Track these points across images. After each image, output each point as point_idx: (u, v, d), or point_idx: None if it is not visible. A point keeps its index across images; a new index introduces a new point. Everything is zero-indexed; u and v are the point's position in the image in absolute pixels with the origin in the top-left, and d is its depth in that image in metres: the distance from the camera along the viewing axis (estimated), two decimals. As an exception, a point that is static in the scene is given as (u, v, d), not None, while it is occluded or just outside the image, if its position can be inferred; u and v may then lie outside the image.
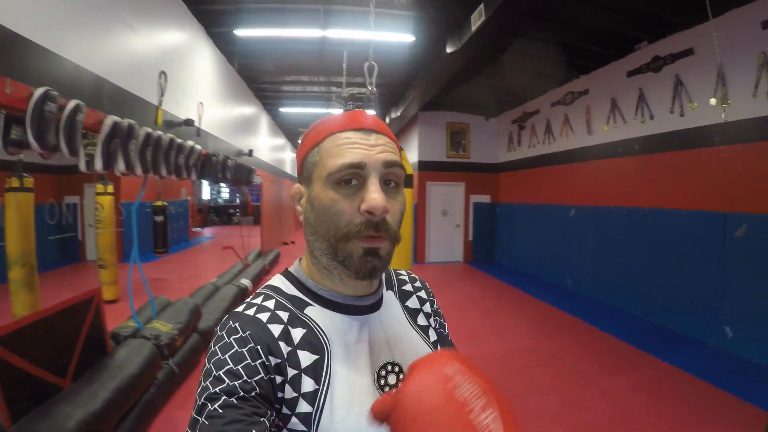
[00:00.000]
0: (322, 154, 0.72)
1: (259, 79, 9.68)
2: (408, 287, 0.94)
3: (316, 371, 0.69)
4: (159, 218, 6.29)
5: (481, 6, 4.94)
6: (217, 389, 0.61)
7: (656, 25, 5.51)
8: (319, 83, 9.74)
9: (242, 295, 6.40)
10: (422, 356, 0.60)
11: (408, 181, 2.20)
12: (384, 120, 12.31)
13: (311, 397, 0.67)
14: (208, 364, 0.65)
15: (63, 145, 2.77)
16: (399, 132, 13.34)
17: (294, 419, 0.67)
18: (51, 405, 2.41)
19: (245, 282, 6.92)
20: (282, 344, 0.69)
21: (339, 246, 0.70)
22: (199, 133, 6.07)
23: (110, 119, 3.31)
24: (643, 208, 6.10)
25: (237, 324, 0.69)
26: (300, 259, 0.84)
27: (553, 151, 8.59)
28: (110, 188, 6.50)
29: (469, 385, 0.52)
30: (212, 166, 5.72)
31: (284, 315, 0.73)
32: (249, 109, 10.22)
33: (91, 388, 2.69)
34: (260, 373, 0.64)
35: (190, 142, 4.77)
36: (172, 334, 3.96)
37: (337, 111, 7.72)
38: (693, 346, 5.02)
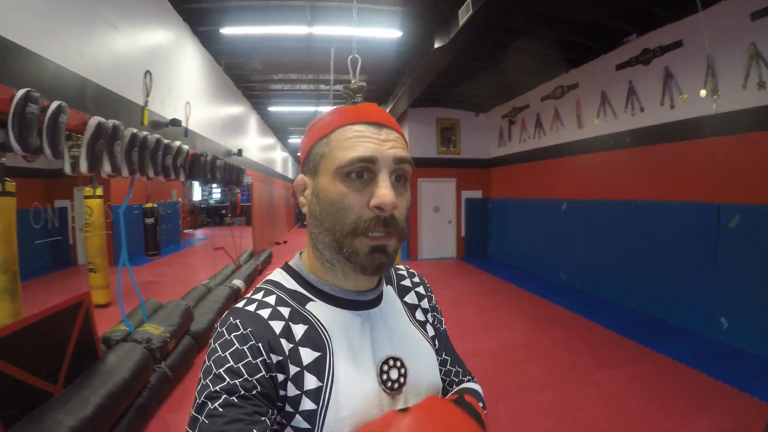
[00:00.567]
0: (332, 146, 0.71)
1: (247, 78, 9.62)
2: (407, 282, 0.94)
3: (318, 368, 0.69)
4: (149, 220, 6.21)
5: (468, 1, 4.92)
6: (217, 387, 0.60)
7: (645, 17, 5.51)
8: (308, 81, 9.69)
9: (235, 296, 6.36)
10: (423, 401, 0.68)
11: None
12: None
13: (315, 395, 0.67)
14: (208, 361, 0.64)
15: (46, 147, 2.72)
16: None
17: (298, 417, 0.66)
18: (42, 412, 2.37)
19: (238, 283, 6.87)
20: (283, 341, 0.68)
21: (345, 241, 0.69)
22: (186, 133, 6.01)
23: (94, 120, 3.25)
24: (635, 200, 6.11)
25: (238, 320, 0.68)
26: (301, 253, 0.83)
27: (544, 146, 8.60)
28: (99, 191, 6.43)
29: None
30: (201, 166, 5.66)
31: (285, 311, 0.72)
32: (237, 109, 10.15)
33: (83, 394, 2.65)
34: (261, 371, 0.64)
35: (177, 143, 4.72)
36: (164, 337, 3.91)
37: (329, 107, 7.68)
38: (688, 337, 5.04)
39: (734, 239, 4.74)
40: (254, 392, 0.61)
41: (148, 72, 4.82)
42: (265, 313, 0.70)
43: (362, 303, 0.77)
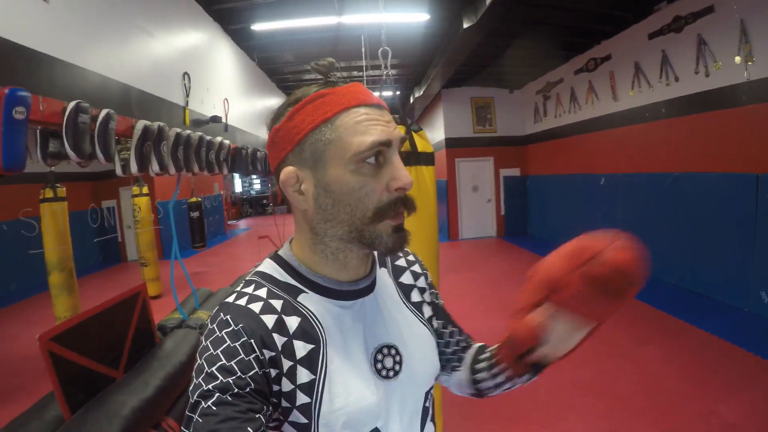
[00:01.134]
0: (341, 132, 0.67)
1: (280, 70, 9.80)
2: (401, 262, 0.93)
3: (311, 361, 0.68)
4: (195, 214, 6.52)
5: (493, -21, 4.90)
6: (210, 386, 0.59)
7: (675, -17, 5.36)
8: (340, 69, 9.75)
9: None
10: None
11: (430, 159, 2.28)
12: (408, 100, 12.33)
13: (308, 388, 0.67)
14: (200, 359, 0.63)
15: (99, 153, 2.94)
16: (423, 110, 13.29)
17: (295, 411, 0.67)
18: (106, 395, 2.59)
19: None
20: (276, 336, 0.67)
21: (366, 229, 0.68)
22: (226, 128, 6.23)
23: (141, 124, 3.47)
24: (673, 173, 5.98)
25: (228, 316, 0.67)
26: (290, 241, 0.81)
27: (580, 120, 8.45)
28: (145, 189, 6.76)
29: None
30: (242, 159, 5.87)
31: (278, 304, 0.71)
32: (273, 101, 10.35)
33: (143, 377, 2.87)
34: (254, 368, 0.63)
35: (218, 138, 4.92)
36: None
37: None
38: (728, 312, 4.94)
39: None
40: (248, 389, 0.60)
41: (185, 73, 5.03)
42: (256, 307, 0.69)
43: (355, 292, 0.76)
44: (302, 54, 8.66)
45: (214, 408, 0.57)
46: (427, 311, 0.91)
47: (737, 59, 4.66)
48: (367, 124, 0.67)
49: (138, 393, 2.69)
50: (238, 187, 22.48)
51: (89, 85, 3.31)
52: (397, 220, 0.70)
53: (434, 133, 12.02)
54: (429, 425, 0.83)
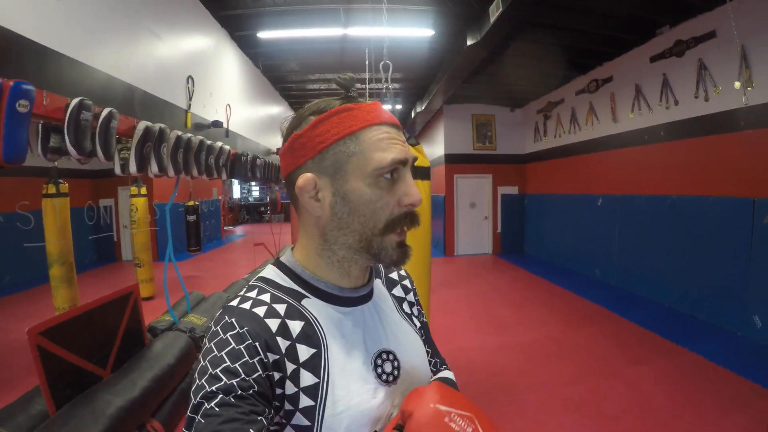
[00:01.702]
0: (365, 146, 0.70)
1: (285, 78, 9.86)
2: (394, 275, 0.96)
3: (314, 365, 0.69)
4: (191, 217, 6.50)
5: (498, -2, 4.97)
6: (213, 387, 0.60)
7: (677, 8, 5.42)
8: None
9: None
10: (414, 391, 0.69)
11: (426, 173, 2.30)
12: (410, 114, 12.41)
13: (312, 391, 0.68)
14: (203, 361, 0.64)
15: (99, 151, 2.95)
16: (425, 125, 13.36)
17: (298, 414, 0.67)
18: (92, 393, 2.58)
19: None
20: (280, 339, 0.69)
21: (375, 239, 0.72)
22: (227, 134, 6.26)
23: (142, 124, 3.49)
24: (670, 195, 6.02)
25: (233, 319, 0.68)
26: (292, 249, 0.83)
27: (579, 141, 8.51)
28: (144, 190, 6.76)
29: (460, 416, 0.65)
30: (241, 165, 5.90)
31: (281, 308, 0.72)
32: (276, 109, 10.41)
33: (130, 377, 2.87)
34: (258, 371, 0.64)
35: (219, 143, 4.95)
36: (206, 327, 4.13)
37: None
38: (720, 336, 4.94)
39: (769, 235, 4.63)
40: (251, 392, 0.61)
41: (190, 77, 5.07)
42: (260, 311, 0.70)
43: (355, 299, 0.79)
44: (307, 63, 8.73)
45: (217, 409, 0.58)
46: (417, 323, 0.94)
47: (737, 84, 4.71)
48: (388, 142, 0.71)
49: (124, 393, 2.68)
50: (237, 193, 22.50)
51: (95, 83, 3.33)
52: (401, 237, 0.74)
53: (434, 149, 12.07)
54: None
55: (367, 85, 6.90)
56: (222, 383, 0.60)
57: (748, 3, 4.63)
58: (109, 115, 3.01)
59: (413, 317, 0.93)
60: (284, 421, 0.68)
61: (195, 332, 3.95)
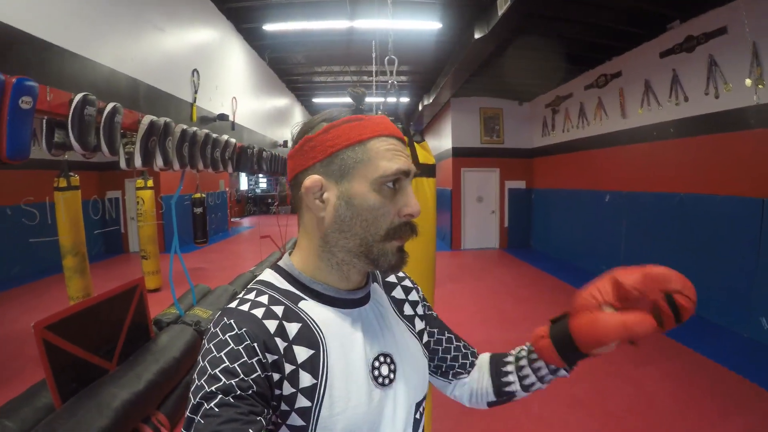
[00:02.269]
0: (372, 154, 0.73)
1: (291, 71, 9.84)
2: (392, 278, 0.97)
3: (313, 366, 0.70)
4: (198, 210, 6.54)
5: (506, -10, 4.92)
6: (213, 388, 0.61)
7: (688, 2, 5.32)
8: (350, 72, 9.82)
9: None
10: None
11: (431, 170, 2.29)
12: (417, 107, 12.36)
13: (310, 392, 0.69)
14: (203, 362, 0.64)
15: (103, 146, 2.96)
16: (432, 118, 13.31)
17: (294, 414, 0.68)
18: (98, 386, 2.60)
19: None
20: (278, 340, 0.69)
21: (375, 245, 0.73)
22: (233, 126, 6.26)
23: (147, 118, 3.50)
24: (678, 193, 5.95)
25: (232, 320, 0.69)
26: (289, 254, 0.84)
27: (588, 136, 8.42)
28: (150, 183, 6.79)
29: None
30: (247, 158, 5.91)
31: (279, 310, 0.73)
32: (282, 101, 10.40)
33: (136, 370, 2.89)
34: (257, 371, 0.64)
35: (224, 136, 4.96)
36: (211, 322, 4.15)
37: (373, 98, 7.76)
38: (726, 336, 4.89)
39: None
40: (250, 392, 0.62)
41: (195, 70, 5.07)
42: (258, 312, 0.71)
43: (353, 301, 0.80)
44: (313, 55, 8.70)
45: (216, 409, 0.59)
46: (419, 324, 0.94)
47: (748, 82, 4.64)
48: (393, 153, 0.74)
49: (130, 386, 2.70)
50: (244, 185, 22.56)
51: (99, 77, 3.34)
52: (401, 242, 0.76)
53: (442, 142, 12.02)
54: None
55: (374, 78, 6.87)
56: (221, 383, 0.61)
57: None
58: (113, 110, 3.01)
59: (416, 318, 0.94)
60: (279, 421, 0.69)
61: (200, 325, 3.97)
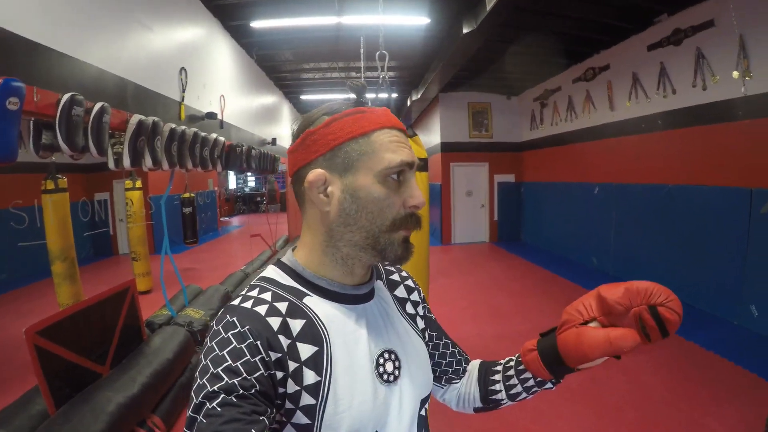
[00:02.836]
0: (376, 146, 0.73)
1: (279, 68, 9.78)
2: (395, 277, 0.96)
3: (317, 363, 0.69)
4: (187, 210, 6.48)
5: (494, -16, 4.91)
6: (215, 387, 0.59)
7: (676, -5, 5.37)
8: (339, 69, 9.79)
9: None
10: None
11: (423, 165, 2.28)
12: (405, 103, 12.35)
13: (314, 389, 0.68)
14: (205, 360, 0.63)
15: (92, 146, 2.92)
16: (421, 113, 13.31)
17: (298, 412, 0.67)
18: (92, 391, 2.58)
19: None
20: (282, 338, 0.68)
21: (382, 236, 0.73)
22: (221, 125, 6.22)
23: (135, 118, 3.45)
24: (667, 185, 6.00)
25: (235, 318, 0.67)
26: (293, 250, 0.83)
27: (576, 129, 8.46)
28: (138, 183, 6.71)
29: None
30: (236, 156, 5.87)
31: (282, 306, 0.72)
32: (270, 99, 10.35)
33: (129, 374, 2.86)
34: (260, 370, 0.63)
35: (213, 135, 4.92)
36: (204, 321, 4.14)
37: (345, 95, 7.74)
38: (717, 325, 4.95)
39: (767, 225, 4.63)
40: (253, 391, 0.61)
41: (183, 69, 5.02)
42: (262, 309, 0.70)
43: (357, 297, 0.79)
44: (301, 52, 8.65)
45: (219, 409, 0.58)
46: (421, 324, 0.94)
47: (735, 74, 4.68)
48: (397, 145, 0.74)
49: (124, 390, 2.68)
50: (233, 183, 22.43)
51: (86, 77, 3.29)
52: (408, 232, 0.76)
53: (430, 137, 12.02)
54: None
55: (362, 74, 6.85)
56: (224, 382, 0.60)
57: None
58: (101, 110, 2.97)
59: (417, 317, 0.94)
60: (284, 419, 0.68)
61: (193, 326, 3.95)
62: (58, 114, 2.64)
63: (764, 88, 4.57)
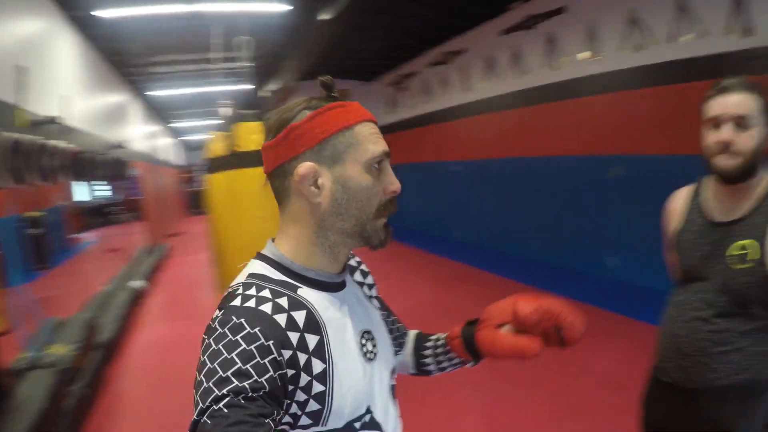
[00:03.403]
0: (360, 138, 0.77)
1: (128, 62, 8.99)
2: (352, 262, 1.01)
3: (321, 351, 0.72)
4: (34, 231, 5.68)
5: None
6: (224, 390, 0.58)
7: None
8: (194, 61, 9.23)
9: (137, 297, 6.05)
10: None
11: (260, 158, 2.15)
12: (259, 93, 11.96)
13: (322, 377, 0.71)
14: (211, 364, 0.62)
15: None
16: (278, 104, 13.06)
17: (311, 401, 0.70)
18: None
19: (138, 283, 6.58)
20: (290, 333, 0.70)
21: (369, 223, 0.78)
22: (66, 130, 5.51)
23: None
24: (525, 157, 6.50)
25: (242, 320, 0.67)
26: (273, 241, 0.84)
27: (434, 110, 8.90)
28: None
29: None
30: (87, 164, 5.32)
31: (283, 301, 0.73)
32: (120, 97, 9.54)
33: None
34: (270, 371, 0.63)
35: (57, 142, 4.45)
36: (72, 356, 3.73)
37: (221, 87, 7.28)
38: (583, 278, 5.55)
39: (617, 187, 5.23)
40: (261, 392, 0.60)
41: (18, 66, 4.33)
42: (267, 308, 0.70)
43: (339, 284, 0.84)
44: (152, 44, 8.02)
45: (225, 410, 0.57)
46: (376, 304, 1.02)
47: (581, 55, 5.15)
48: (376, 136, 0.80)
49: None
50: (83, 195, 20.38)
51: None
52: (386, 218, 0.81)
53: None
54: (395, 400, 0.92)
55: (216, 65, 6.50)
56: (233, 385, 0.59)
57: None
58: None
59: (373, 299, 1.00)
60: (299, 412, 0.69)
61: (61, 365, 3.48)
62: None
63: (607, 68, 5.16)
